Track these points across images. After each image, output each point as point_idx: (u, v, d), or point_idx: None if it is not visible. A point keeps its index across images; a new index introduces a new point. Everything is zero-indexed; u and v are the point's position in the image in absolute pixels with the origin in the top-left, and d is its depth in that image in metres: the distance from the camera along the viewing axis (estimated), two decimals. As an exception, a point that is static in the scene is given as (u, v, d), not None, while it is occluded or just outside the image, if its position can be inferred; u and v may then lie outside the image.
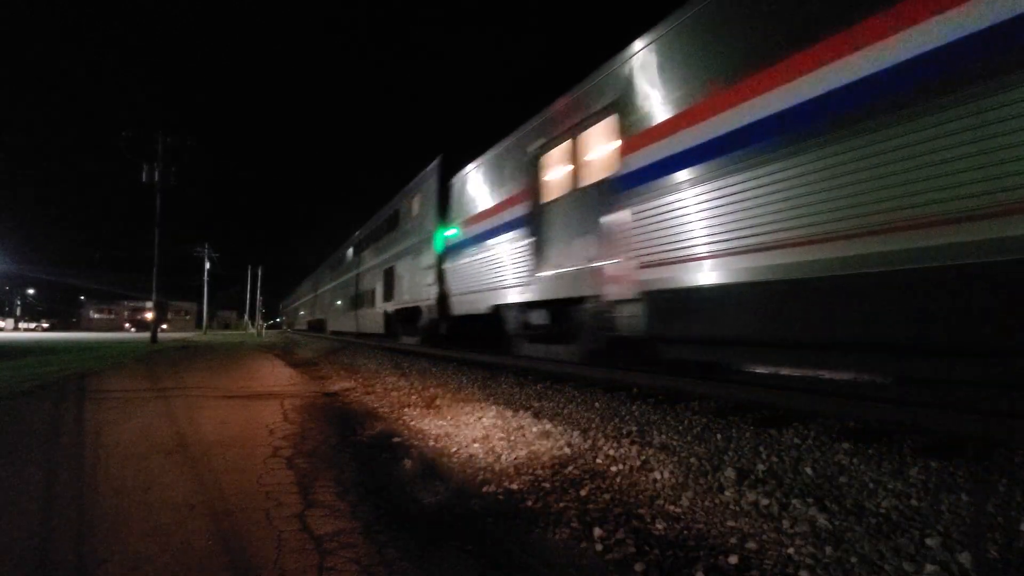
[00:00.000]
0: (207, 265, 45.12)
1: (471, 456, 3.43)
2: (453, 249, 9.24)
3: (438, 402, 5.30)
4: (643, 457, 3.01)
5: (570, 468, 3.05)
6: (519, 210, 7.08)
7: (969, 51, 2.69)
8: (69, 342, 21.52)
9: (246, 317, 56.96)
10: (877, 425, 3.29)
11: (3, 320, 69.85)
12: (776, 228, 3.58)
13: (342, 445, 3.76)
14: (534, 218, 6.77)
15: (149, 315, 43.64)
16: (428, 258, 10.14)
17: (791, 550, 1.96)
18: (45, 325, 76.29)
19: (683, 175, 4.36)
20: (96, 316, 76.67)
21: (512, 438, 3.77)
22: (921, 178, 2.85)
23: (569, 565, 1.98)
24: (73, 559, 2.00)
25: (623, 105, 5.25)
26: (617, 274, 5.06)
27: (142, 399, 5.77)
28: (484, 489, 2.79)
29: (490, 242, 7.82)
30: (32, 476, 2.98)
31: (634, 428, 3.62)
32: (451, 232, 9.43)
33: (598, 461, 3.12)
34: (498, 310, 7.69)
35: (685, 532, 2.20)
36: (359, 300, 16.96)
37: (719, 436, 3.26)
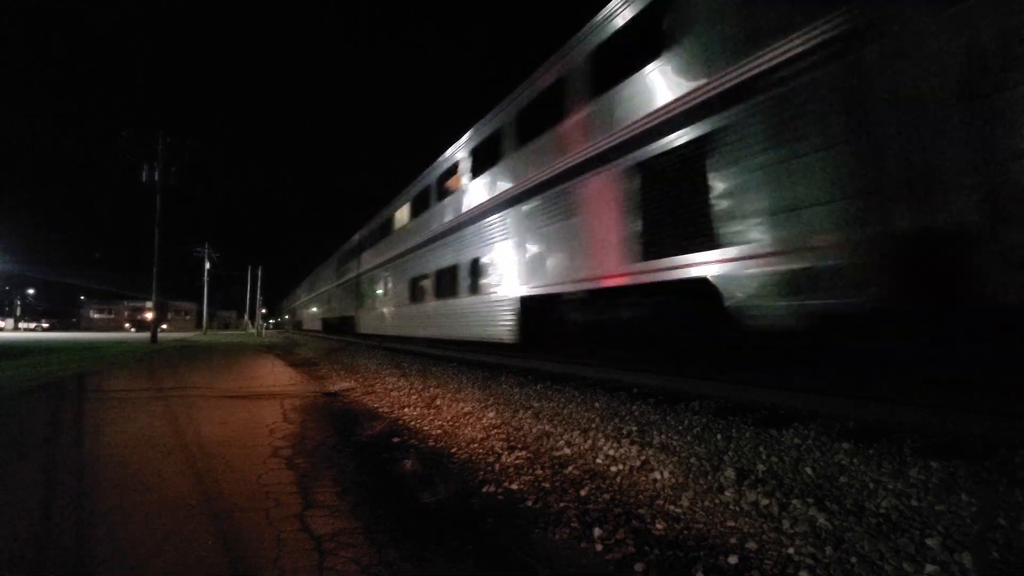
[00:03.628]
0: (207, 265, 45.12)
1: (471, 456, 3.43)
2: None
3: (438, 402, 5.30)
4: (643, 457, 3.01)
5: (570, 468, 3.05)
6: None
7: None
8: (69, 342, 21.52)
9: (246, 317, 56.93)
10: (877, 425, 3.29)
11: (3, 320, 69.78)
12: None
13: (342, 445, 3.76)
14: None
15: (149, 315, 43.57)
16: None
17: (791, 550, 1.96)
18: (45, 325, 76.24)
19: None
20: (96, 316, 76.64)
21: (512, 438, 3.77)
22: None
23: (569, 565, 1.98)
24: (73, 559, 2.00)
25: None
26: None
27: (142, 399, 5.77)
28: (484, 489, 2.79)
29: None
30: (32, 476, 2.98)
31: (634, 428, 3.62)
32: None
33: (598, 461, 3.12)
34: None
35: (685, 532, 2.20)
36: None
37: (719, 436, 3.26)
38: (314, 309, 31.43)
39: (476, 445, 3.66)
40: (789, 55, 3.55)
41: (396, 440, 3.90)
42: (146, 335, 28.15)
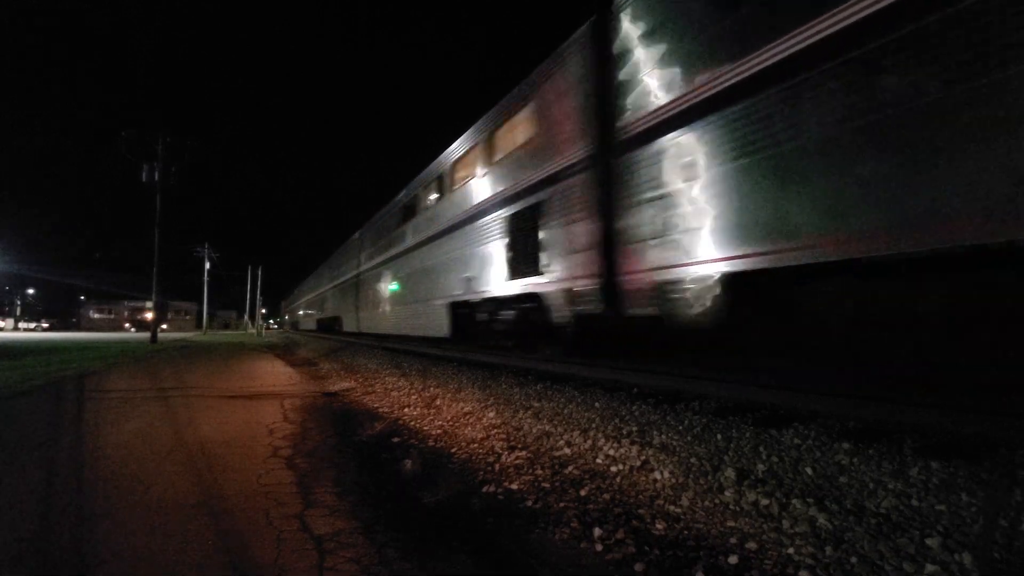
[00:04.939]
0: (207, 265, 45.16)
1: (471, 456, 3.43)
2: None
3: (438, 402, 5.30)
4: (643, 457, 3.01)
5: (570, 468, 3.05)
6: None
7: None
8: (69, 342, 21.50)
9: (246, 317, 56.95)
10: (877, 425, 3.29)
11: (3, 320, 69.79)
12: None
13: (342, 445, 3.76)
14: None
15: (149, 315, 43.55)
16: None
17: (791, 550, 1.96)
18: (45, 325, 76.24)
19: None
20: (96, 316, 76.63)
21: (512, 438, 3.77)
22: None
23: (569, 565, 1.98)
24: (73, 559, 2.00)
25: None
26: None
27: (142, 399, 5.77)
28: (484, 489, 2.79)
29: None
30: (32, 476, 2.98)
31: (634, 428, 3.62)
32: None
33: (598, 461, 3.11)
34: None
35: (685, 532, 2.20)
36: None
37: (719, 436, 3.26)
38: (383, 285, 13.27)
39: (476, 445, 3.66)
40: None
41: (396, 440, 3.89)
42: (146, 335, 28.15)
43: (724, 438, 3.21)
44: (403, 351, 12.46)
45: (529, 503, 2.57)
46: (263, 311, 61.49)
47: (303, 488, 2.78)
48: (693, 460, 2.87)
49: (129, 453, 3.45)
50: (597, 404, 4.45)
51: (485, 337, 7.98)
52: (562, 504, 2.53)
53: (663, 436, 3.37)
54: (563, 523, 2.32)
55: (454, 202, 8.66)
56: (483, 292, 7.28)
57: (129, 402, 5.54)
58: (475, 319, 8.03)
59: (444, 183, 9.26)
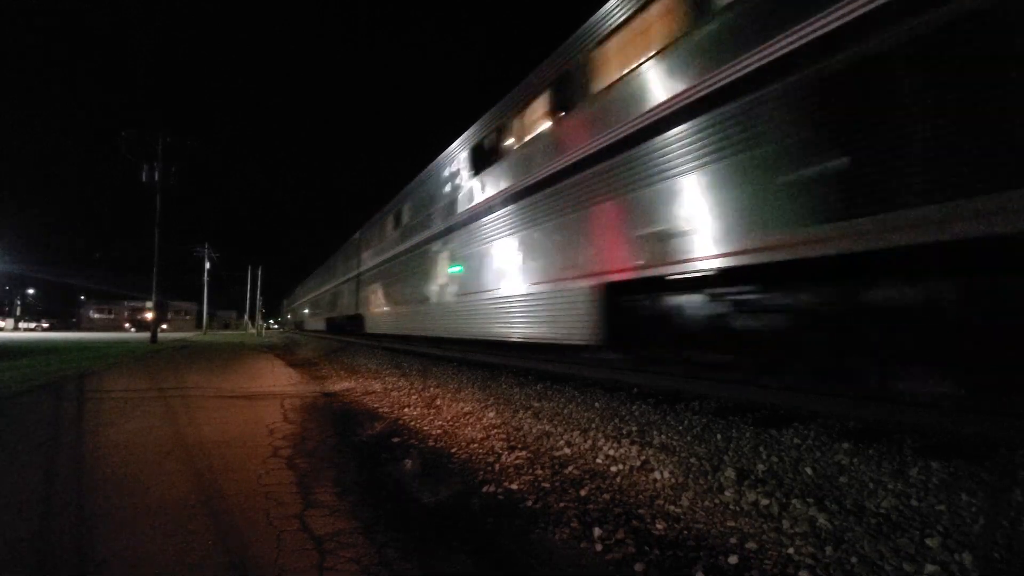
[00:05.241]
0: (207, 265, 45.18)
1: (471, 456, 3.43)
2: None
3: (438, 402, 5.30)
4: (643, 457, 3.01)
5: (570, 468, 3.05)
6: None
7: None
8: (69, 342, 21.49)
9: (246, 317, 56.97)
10: (877, 425, 3.29)
11: (3, 320, 69.79)
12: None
13: (342, 445, 3.76)
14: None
15: (149, 315, 43.50)
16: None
17: (791, 550, 1.96)
18: (45, 325, 76.20)
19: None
20: (96, 316, 76.57)
21: (512, 438, 3.77)
22: None
23: (569, 565, 1.98)
24: (73, 559, 2.00)
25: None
26: None
27: (141, 399, 5.77)
28: (484, 489, 2.79)
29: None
30: (32, 476, 2.98)
31: (634, 428, 3.62)
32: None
33: (598, 461, 3.12)
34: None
35: (685, 532, 2.20)
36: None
37: (719, 436, 3.26)
38: (439, 268, 8.77)
39: (476, 445, 3.66)
40: None
41: (396, 440, 3.89)
42: (146, 335, 28.14)
43: (724, 438, 3.21)
44: (403, 351, 12.46)
45: (529, 503, 2.57)
46: (263, 311, 61.60)
47: (303, 488, 2.78)
48: (693, 460, 2.87)
49: (129, 453, 3.45)
50: (597, 404, 4.45)
51: (693, 346, 4.42)
52: (562, 504, 2.53)
53: (663, 436, 3.37)
54: (563, 523, 2.32)
55: (616, 108, 4.69)
56: (709, 259, 3.71)
57: (129, 402, 5.54)
58: (667, 314, 4.57)
59: (584, 84, 5.24)
